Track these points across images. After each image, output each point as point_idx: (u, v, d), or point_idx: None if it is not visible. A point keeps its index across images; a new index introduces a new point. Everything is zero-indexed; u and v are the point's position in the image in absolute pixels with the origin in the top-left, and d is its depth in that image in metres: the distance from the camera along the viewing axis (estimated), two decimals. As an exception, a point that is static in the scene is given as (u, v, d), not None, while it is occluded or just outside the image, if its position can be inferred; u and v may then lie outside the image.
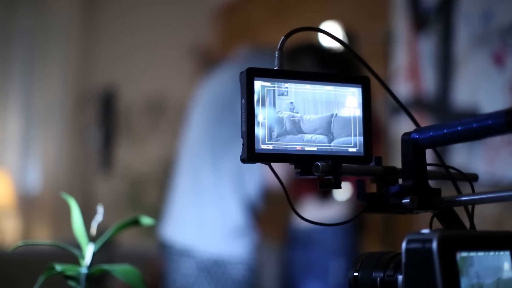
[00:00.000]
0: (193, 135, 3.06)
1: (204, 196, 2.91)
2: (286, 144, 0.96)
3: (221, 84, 2.99)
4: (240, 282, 2.87)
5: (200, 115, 3.05)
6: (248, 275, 2.90)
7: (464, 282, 0.82)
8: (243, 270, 2.88)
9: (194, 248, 2.88)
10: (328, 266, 3.48)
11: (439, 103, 3.34)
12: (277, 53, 1.00)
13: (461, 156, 3.13)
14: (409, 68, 3.55)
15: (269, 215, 3.49)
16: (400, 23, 3.65)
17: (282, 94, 0.97)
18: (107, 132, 6.19)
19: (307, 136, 0.98)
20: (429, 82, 3.41)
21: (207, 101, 3.03)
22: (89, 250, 1.24)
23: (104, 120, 6.18)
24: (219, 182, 2.87)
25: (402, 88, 3.54)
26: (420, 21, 3.51)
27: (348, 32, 3.90)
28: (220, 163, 2.86)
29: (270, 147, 0.95)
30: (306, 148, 0.97)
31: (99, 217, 1.28)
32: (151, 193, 5.82)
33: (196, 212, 2.93)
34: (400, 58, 3.63)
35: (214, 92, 3.01)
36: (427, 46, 3.44)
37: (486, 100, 3.05)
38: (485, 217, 2.91)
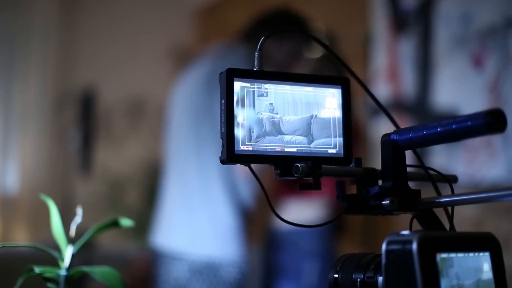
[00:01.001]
0: (175, 137, 3.04)
1: (192, 199, 2.90)
2: (266, 145, 0.96)
3: (195, 83, 2.97)
4: (231, 284, 2.86)
5: (179, 118, 3.04)
6: (240, 277, 2.89)
7: (444, 283, 0.82)
8: (234, 273, 2.87)
9: (185, 252, 2.87)
10: (302, 268, 3.49)
11: (419, 105, 3.35)
12: (256, 53, 0.99)
13: (441, 158, 3.14)
14: (388, 69, 3.56)
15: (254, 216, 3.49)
16: (380, 25, 3.66)
17: (262, 95, 0.97)
18: (87, 133, 6.16)
19: (287, 137, 0.97)
20: (408, 83, 3.42)
21: (184, 102, 3.02)
22: (68, 252, 1.23)
23: (83, 121, 6.15)
24: (206, 184, 2.86)
25: (382, 90, 3.55)
26: (399, 23, 3.52)
27: (328, 33, 3.91)
28: (206, 164, 2.85)
29: (250, 148, 0.95)
30: (286, 149, 0.97)
31: (78, 219, 1.27)
32: (130, 195, 5.80)
33: (186, 216, 2.91)
34: (380, 59, 3.64)
35: (189, 92, 3.00)
36: (407, 48, 3.45)
37: (465, 102, 3.07)
38: (465, 218, 2.92)
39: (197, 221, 2.89)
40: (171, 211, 2.99)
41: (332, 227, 3.53)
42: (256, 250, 4.15)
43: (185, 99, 3.00)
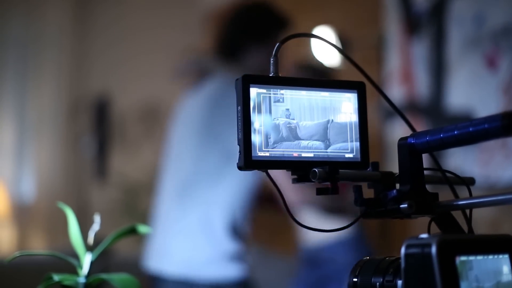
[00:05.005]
0: (176, 153, 3.03)
1: (190, 222, 2.86)
2: (283, 151, 0.96)
3: (202, 102, 2.90)
4: None
5: (182, 133, 3.01)
6: None
7: (464, 286, 0.82)
8: None
9: (188, 278, 2.82)
10: (344, 281, 3.44)
11: (433, 107, 3.34)
12: (272, 59, 0.99)
13: (456, 159, 3.13)
14: (402, 72, 3.56)
15: (275, 226, 3.48)
16: (393, 27, 3.65)
17: (278, 101, 0.97)
18: (101, 140, 6.18)
19: (304, 143, 0.97)
20: (422, 85, 3.42)
21: (189, 118, 2.97)
22: (86, 259, 1.24)
23: (98, 128, 6.18)
24: (206, 209, 2.83)
25: (396, 92, 3.55)
26: (412, 25, 3.51)
27: (341, 37, 3.90)
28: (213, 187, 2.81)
29: (267, 154, 0.95)
30: (303, 155, 0.97)
31: (96, 226, 1.28)
32: (146, 201, 5.80)
33: (184, 241, 2.86)
34: (393, 62, 3.63)
35: (195, 110, 2.94)
36: (420, 49, 3.44)
37: (480, 103, 3.06)
38: (481, 220, 2.91)
39: (195, 244, 2.84)
40: (169, 237, 2.93)
41: (361, 236, 3.49)
42: (280, 260, 4.14)
43: (190, 116, 2.96)
